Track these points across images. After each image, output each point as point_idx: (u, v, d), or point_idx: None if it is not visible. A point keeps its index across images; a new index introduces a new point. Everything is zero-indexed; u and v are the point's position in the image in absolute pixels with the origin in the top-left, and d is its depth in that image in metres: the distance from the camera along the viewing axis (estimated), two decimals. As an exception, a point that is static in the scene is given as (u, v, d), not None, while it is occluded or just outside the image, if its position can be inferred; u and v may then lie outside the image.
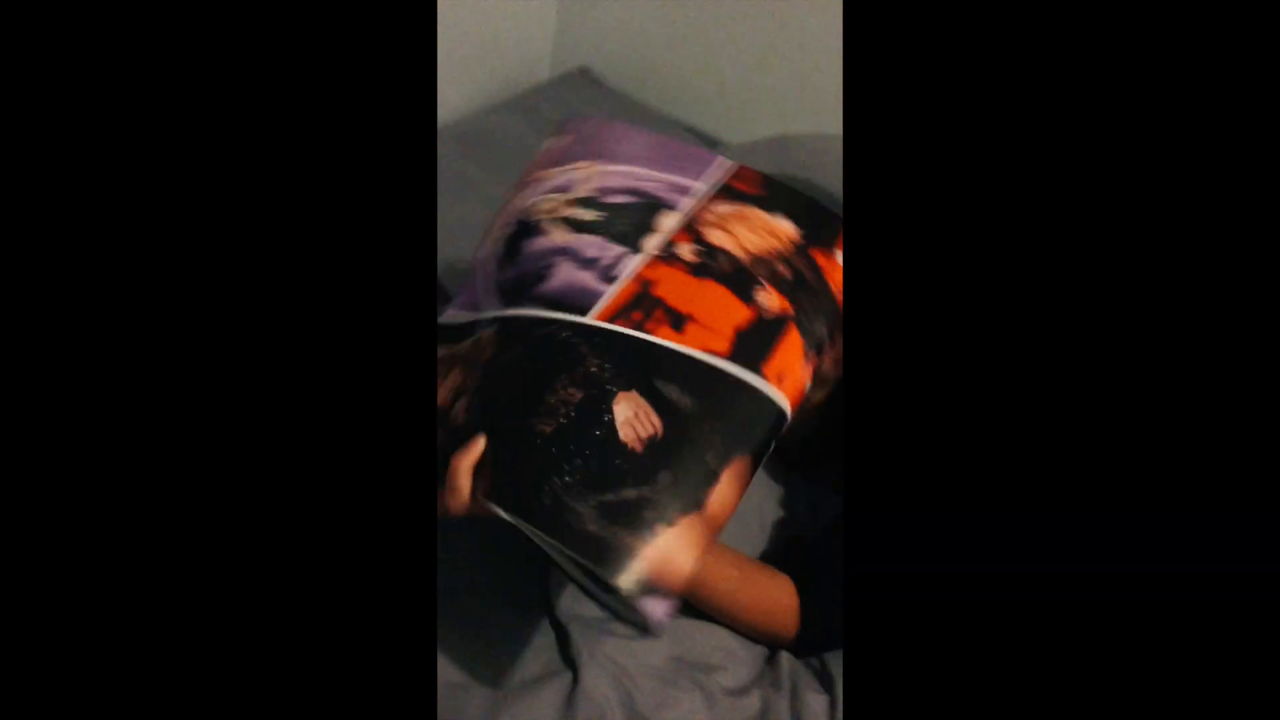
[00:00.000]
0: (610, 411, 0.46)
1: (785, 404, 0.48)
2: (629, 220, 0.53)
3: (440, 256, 0.93)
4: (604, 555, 0.43)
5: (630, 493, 0.44)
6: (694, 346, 0.47)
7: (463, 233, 0.90)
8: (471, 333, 0.53)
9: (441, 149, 1.14)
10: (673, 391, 0.46)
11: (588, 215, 0.53)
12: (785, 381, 0.48)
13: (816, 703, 0.58)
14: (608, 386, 0.47)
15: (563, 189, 0.55)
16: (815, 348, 0.50)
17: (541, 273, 0.52)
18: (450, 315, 0.56)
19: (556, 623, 0.61)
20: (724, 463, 0.46)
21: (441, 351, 0.54)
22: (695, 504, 0.44)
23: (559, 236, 0.53)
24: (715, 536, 0.46)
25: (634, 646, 0.58)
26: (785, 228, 0.52)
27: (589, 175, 0.55)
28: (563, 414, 0.46)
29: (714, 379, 0.47)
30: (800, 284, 0.50)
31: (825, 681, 0.60)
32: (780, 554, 0.67)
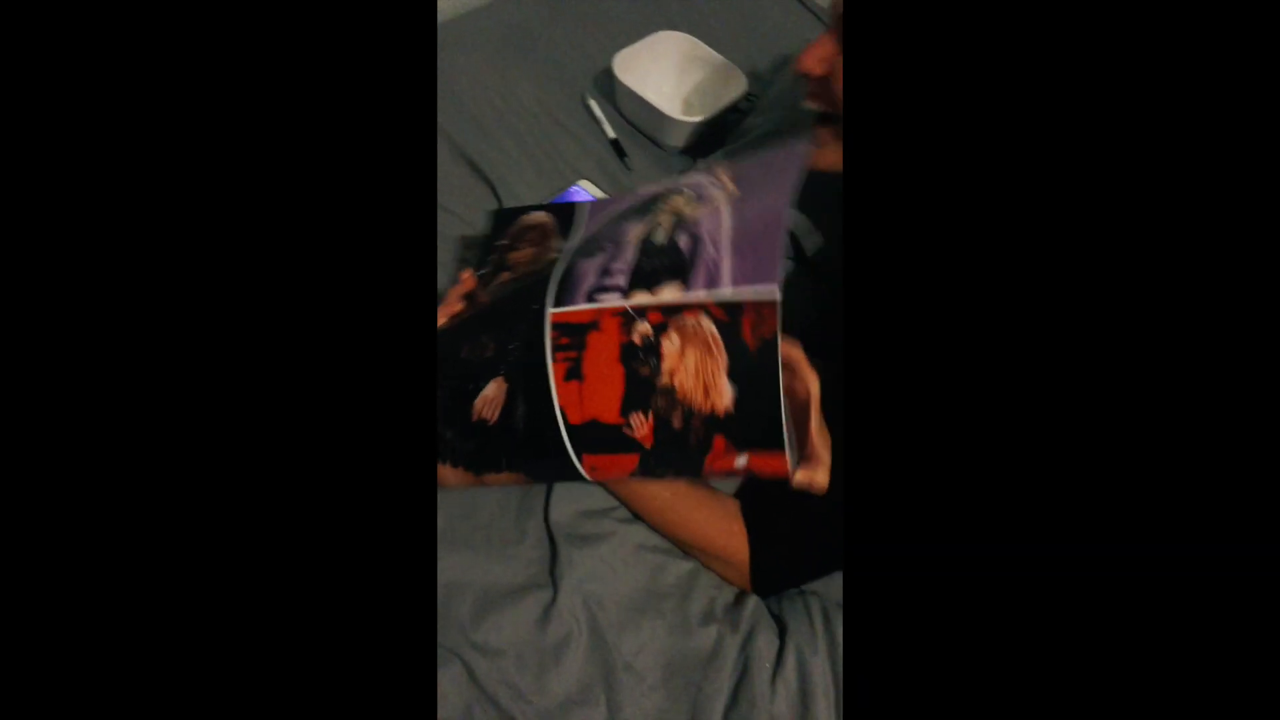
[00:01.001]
0: (486, 383, 0.57)
1: (587, 479, 0.58)
2: (656, 264, 0.55)
3: (494, 131, 0.94)
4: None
5: (446, 434, 0.59)
6: (560, 400, 0.55)
7: (518, 108, 0.90)
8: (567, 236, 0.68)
9: (511, 7, 1.10)
10: (520, 409, 0.56)
11: (660, 236, 0.58)
12: (597, 472, 0.57)
13: (766, 647, 0.64)
14: (500, 366, 0.57)
15: (702, 198, 0.60)
16: (649, 474, 0.56)
17: (594, 249, 0.60)
18: (588, 208, 0.70)
19: (549, 531, 0.68)
20: (512, 469, 0.59)
21: (550, 221, 0.70)
22: (475, 473, 0.60)
23: (637, 234, 0.59)
24: (476, 485, 0.62)
25: (609, 572, 0.65)
26: (723, 398, 0.51)
27: (716, 202, 0.58)
28: (475, 354, 0.59)
29: (549, 429, 0.55)
30: (677, 440, 0.52)
31: (780, 629, 0.66)
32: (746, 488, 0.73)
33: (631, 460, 0.54)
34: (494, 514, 0.67)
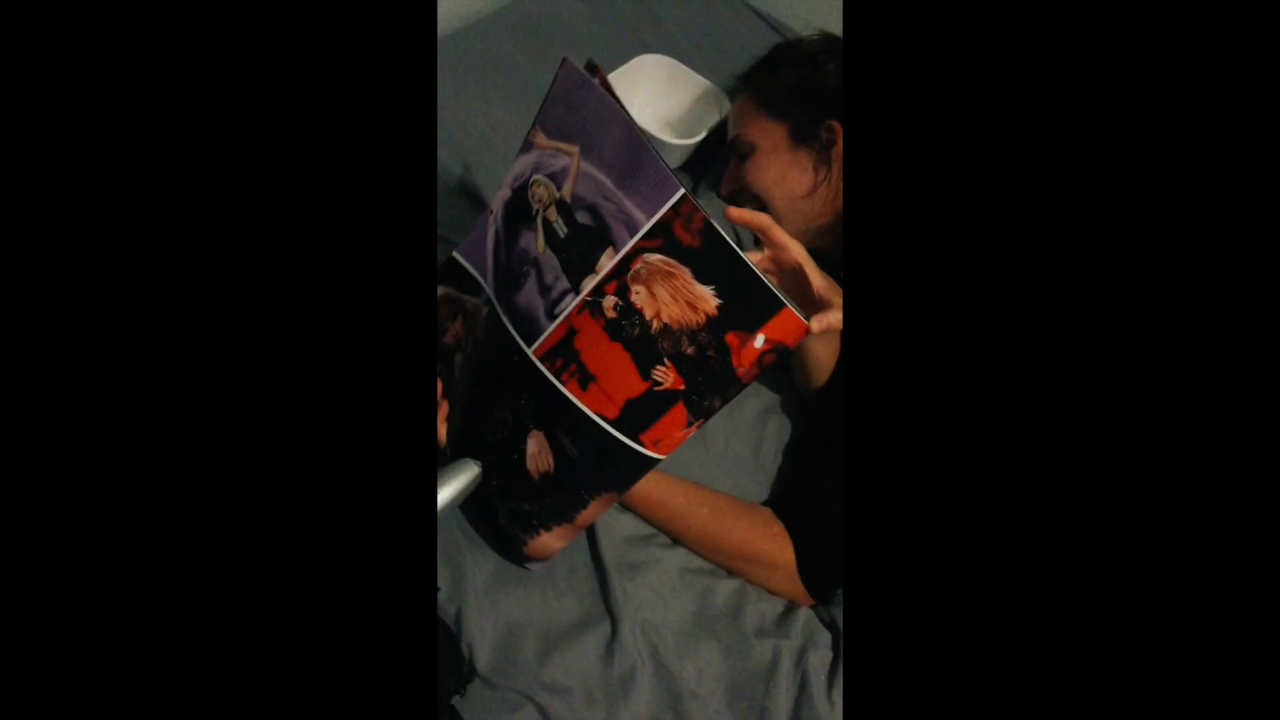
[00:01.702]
0: (525, 444, 0.60)
1: (658, 457, 0.59)
2: (581, 249, 0.56)
3: (479, 159, 0.94)
4: (506, 543, 0.66)
5: (525, 506, 0.63)
6: (590, 407, 0.57)
7: (504, 135, 0.90)
8: (475, 291, 0.65)
9: (492, 37, 1.10)
10: (566, 441, 0.59)
11: (560, 229, 0.58)
12: (661, 444, 0.58)
13: (820, 658, 0.67)
14: (527, 422, 0.60)
15: (557, 178, 0.59)
16: (702, 415, 0.57)
17: (519, 280, 0.60)
18: (463, 257, 0.66)
19: (599, 562, 0.69)
20: (594, 496, 0.61)
21: (451, 290, 0.67)
22: (568, 520, 0.63)
23: (539, 244, 0.59)
24: (579, 531, 0.65)
25: (660, 600, 0.67)
26: (707, 301, 0.52)
27: (573, 169, 0.58)
28: (500, 433, 0.61)
29: (599, 436, 0.57)
30: (700, 364, 0.54)
31: (834, 636, 0.68)
32: (781, 495, 0.76)
33: (679, 412, 0.56)
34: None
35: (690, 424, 0.57)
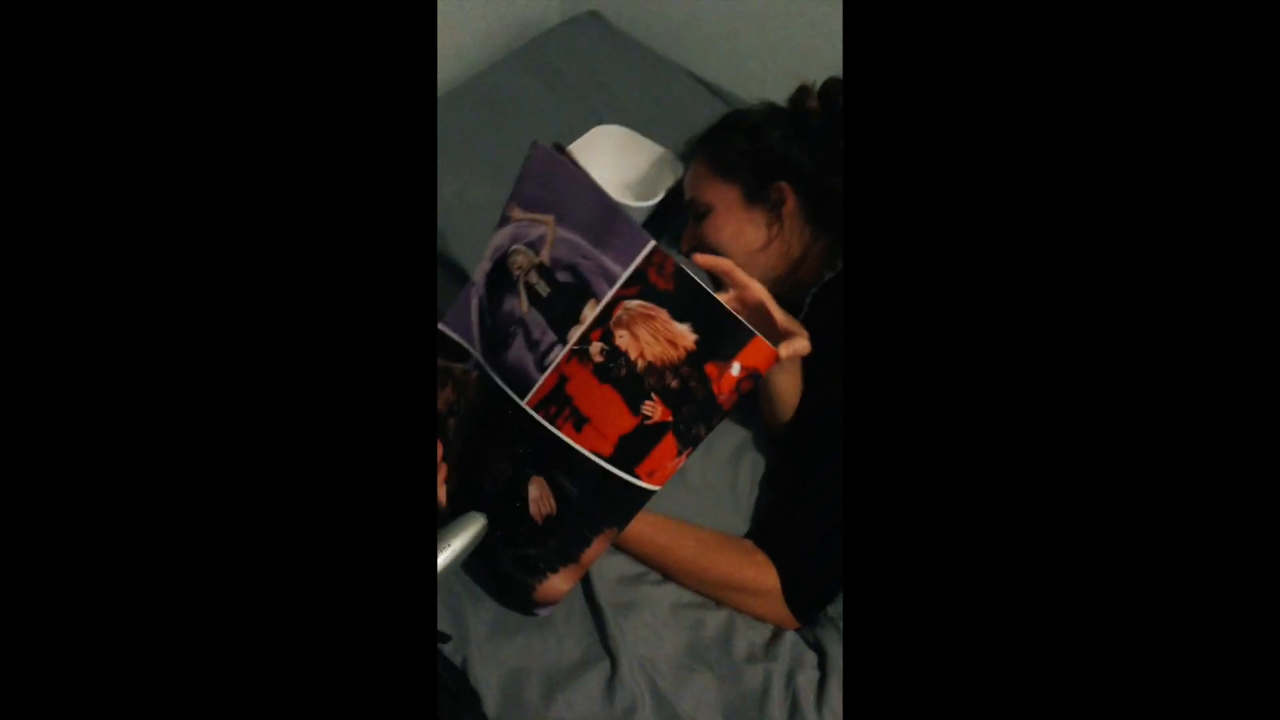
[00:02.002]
0: (525, 490, 0.64)
1: (653, 489, 0.64)
2: (564, 305, 0.62)
3: (450, 227, 0.99)
4: (514, 589, 0.70)
5: (532, 551, 0.66)
6: (586, 447, 0.61)
7: (470, 206, 0.96)
8: (463, 358, 0.69)
9: (454, 113, 1.16)
10: (566, 482, 0.63)
11: (542, 289, 0.63)
12: (655, 475, 0.63)
13: (807, 678, 0.70)
14: (526, 469, 0.64)
15: (535, 245, 0.65)
16: (691, 444, 0.62)
17: (506, 340, 0.65)
18: (449, 328, 0.70)
19: (594, 604, 0.72)
20: (596, 533, 0.66)
21: (441, 361, 0.70)
22: (573, 559, 0.66)
23: (523, 305, 0.64)
24: (584, 571, 0.68)
25: (655, 635, 0.70)
26: (685, 338, 0.58)
27: (549, 236, 0.64)
28: (500, 483, 0.65)
29: (597, 475, 0.62)
30: (685, 395, 0.59)
31: (820, 657, 0.72)
32: (760, 527, 0.80)
33: (669, 442, 0.61)
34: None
35: (680, 453, 0.62)
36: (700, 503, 0.80)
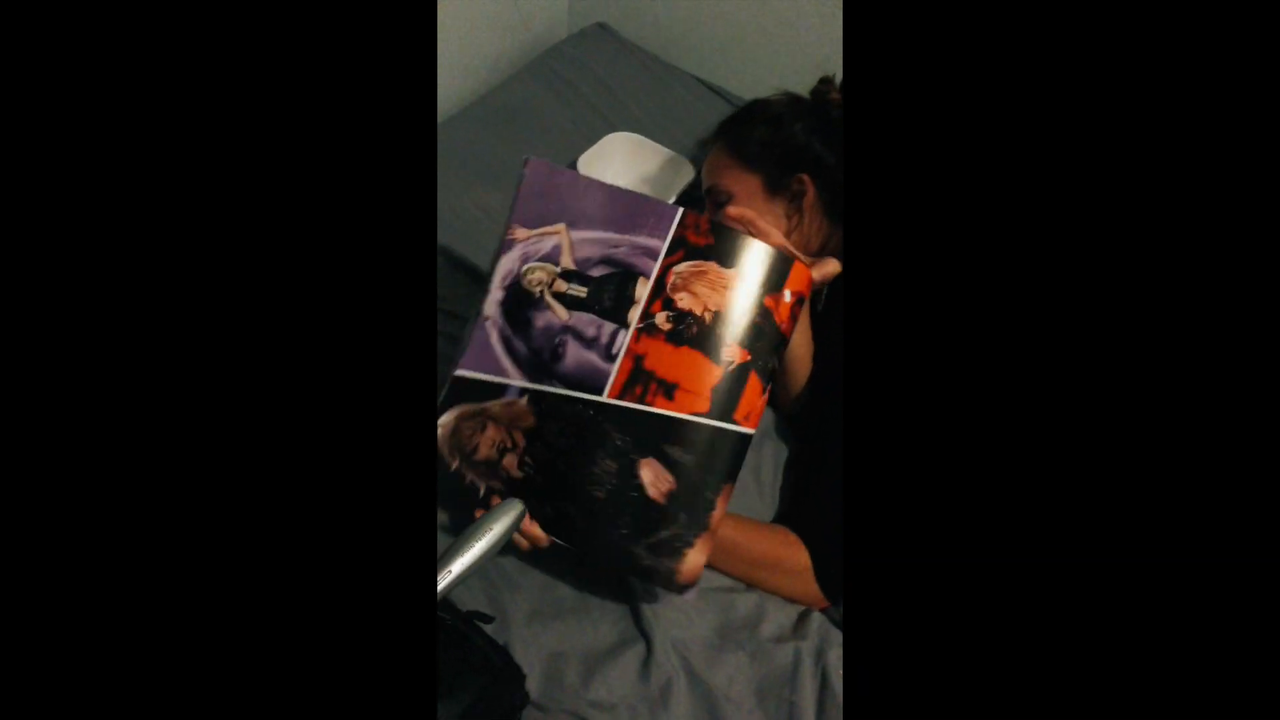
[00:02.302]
0: (639, 477, 0.65)
1: (751, 431, 0.66)
2: (611, 293, 0.65)
3: (462, 244, 1.02)
4: (657, 578, 0.67)
5: (664, 533, 0.66)
6: (684, 411, 0.64)
7: (491, 214, 0.99)
8: (498, 394, 0.68)
9: (471, 127, 1.20)
10: (676, 452, 0.65)
11: (578, 291, 0.66)
12: (751, 417, 0.66)
13: (837, 656, 0.73)
14: (632, 456, 0.65)
15: (549, 258, 0.67)
16: (769, 378, 0.66)
17: (556, 351, 0.67)
18: (471, 370, 0.69)
19: (628, 591, 0.75)
20: (718, 493, 0.66)
21: (470, 406, 0.69)
22: (705, 526, 0.66)
23: (560, 315, 0.67)
24: (715, 538, 0.67)
25: (686, 619, 0.73)
26: (737, 279, 0.63)
27: (565, 243, 0.67)
28: (608, 483, 0.66)
29: (702, 434, 0.65)
30: (754, 332, 0.64)
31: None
32: (787, 510, 0.83)
33: (755, 381, 0.65)
34: (576, 583, 0.74)
35: (764, 390, 0.65)
36: (726, 491, 0.83)
